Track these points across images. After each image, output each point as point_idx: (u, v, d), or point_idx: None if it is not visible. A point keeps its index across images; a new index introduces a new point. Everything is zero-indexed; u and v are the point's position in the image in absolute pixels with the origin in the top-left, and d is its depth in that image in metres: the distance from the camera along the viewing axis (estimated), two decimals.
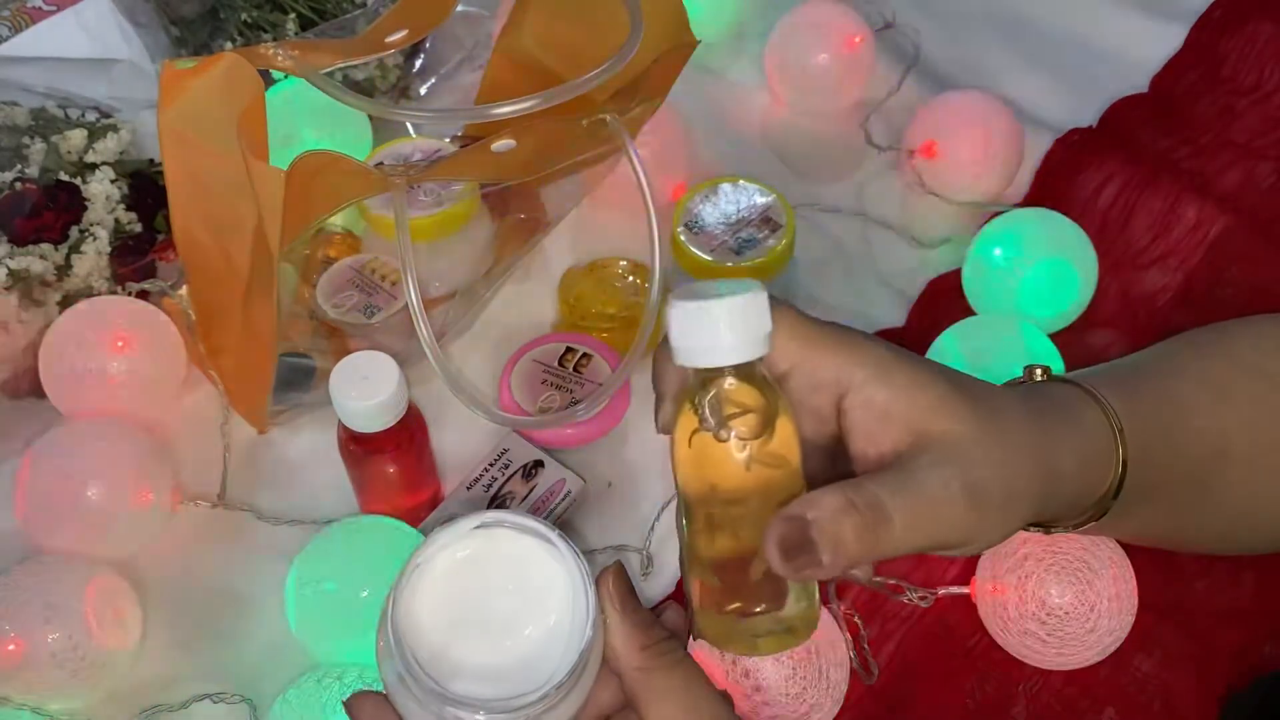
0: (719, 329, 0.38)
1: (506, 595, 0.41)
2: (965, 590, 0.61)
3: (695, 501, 0.40)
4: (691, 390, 0.40)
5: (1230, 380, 0.52)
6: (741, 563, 0.40)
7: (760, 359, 0.40)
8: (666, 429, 0.42)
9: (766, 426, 0.39)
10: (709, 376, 0.39)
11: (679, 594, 0.64)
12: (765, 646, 0.42)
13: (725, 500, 0.40)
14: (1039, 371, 0.50)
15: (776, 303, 0.41)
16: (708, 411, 0.39)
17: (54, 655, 0.57)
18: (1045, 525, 0.50)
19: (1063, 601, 0.58)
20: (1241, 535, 0.56)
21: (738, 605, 0.41)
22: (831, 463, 0.45)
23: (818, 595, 0.43)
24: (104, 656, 0.58)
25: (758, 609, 0.41)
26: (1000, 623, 0.60)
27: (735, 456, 0.39)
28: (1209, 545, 0.58)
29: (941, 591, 0.62)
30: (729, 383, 0.39)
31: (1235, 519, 0.54)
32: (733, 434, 0.39)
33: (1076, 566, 0.58)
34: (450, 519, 0.42)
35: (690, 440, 0.39)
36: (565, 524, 0.65)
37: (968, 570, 0.62)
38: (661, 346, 0.42)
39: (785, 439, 0.40)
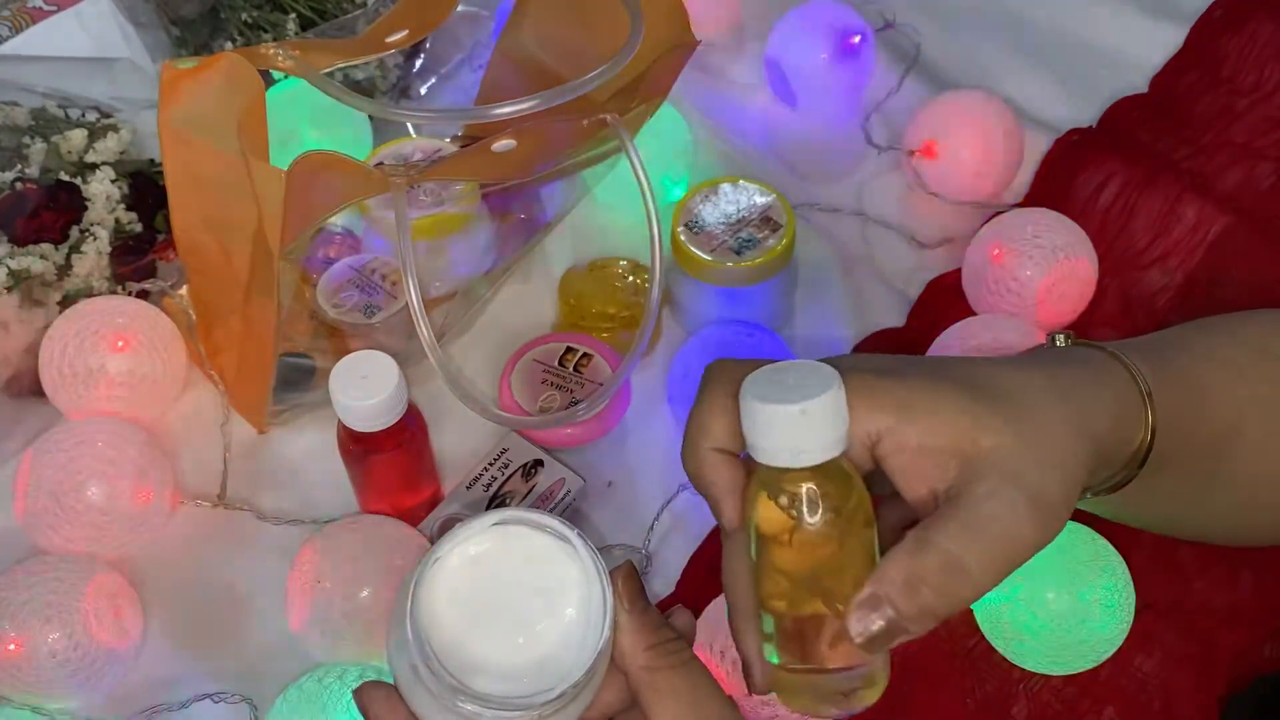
0: (813, 431, 0.39)
1: (523, 593, 0.41)
2: None
3: (775, 575, 0.42)
4: (770, 482, 0.41)
5: (1242, 360, 0.52)
6: (815, 627, 0.42)
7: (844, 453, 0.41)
8: (733, 526, 0.43)
9: (845, 503, 0.40)
10: (796, 475, 0.40)
11: (679, 593, 0.64)
12: (843, 703, 0.43)
13: (807, 574, 0.41)
14: (1061, 337, 0.50)
15: None
16: (796, 506, 0.40)
17: (54, 655, 0.57)
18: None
19: (1056, 609, 0.57)
20: (1247, 519, 0.56)
21: (807, 666, 0.42)
22: (901, 506, 0.45)
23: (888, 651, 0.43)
24: (104, 656, 0.58)
25: (827, 667, 0.42)
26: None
27: (821, 540, 0.40)
28: (1215, 529, 0.58)
29: None
30: (810, 482, 0.40)
31: (1243, 501, 0.54)
32: (819, 520, 0.40)
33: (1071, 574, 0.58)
34: (468, 516, 0.42)
35: (774, 525, 0.41)
36: (574, 522, 0.65)
37: None
38: (698, 438, 0.43)
39: (861, 512, 0.41)
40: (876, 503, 0.43)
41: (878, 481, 0.43)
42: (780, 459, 0.40)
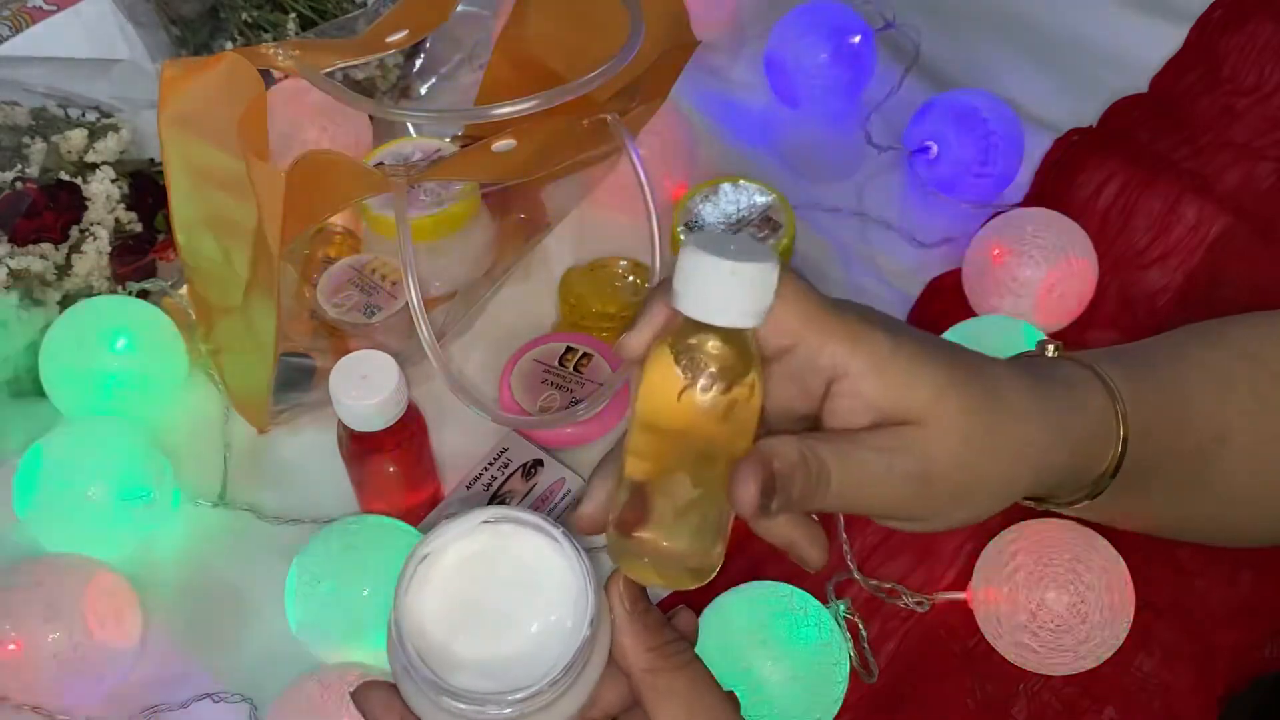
0: (727, 290, 0.39)
1: (510, 590, 0.42)
2: (962, 596, 0.61)
3: (646, 430, 0.42)
4: (679, 332, 0.41)
5: (1233, 370, 0.52)
6: (664, 497, 0.42)
7: (753, 329, 0.41)
8: (633, 353, 0.43)
9: (734, 387, 0.40)
10: (701, 329, 0.40)
11: (679, 593, 0.64)
12: (666, 579, 0.43)
13: (676, 439, 0.41)
14: (1051, 347, 0.51)
15: (795, 278, 0.42)
16: (693, 359, 0.40)
17: (54, 655, 0.57)
18: (1038, 499, 0.50)
19: (1055, 611, 0.57)
20: (1236, 526, 0.56)
21: (643, 533, 0.42)
22: (799, 426, 0.45)
23: (724, 545, 0.43)
24: (104, 656, 0.58)
25: (662, 542, 0.42)
26: (994, 630, 0.60)
27: (702, 406, 0.40)
28: (1202, 534, 0.58)
29: (937, 597, 0.62)
30: (715, 342, 0.40)
31: (1230, 508, 0.54)
32: (702, 386, 0.40)
33: (1068, 577, 0.58)
34: (456, 513, 0.42)
35: (663, 376, 0.41)
36: (565, 523, 0.65)
37: (965, 574, 0.62)
38: (663, 281, 0.42)
39: (752, 405, 0.41)
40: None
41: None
42: (692, 309, 0.40)
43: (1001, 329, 0.67)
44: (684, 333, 0.40)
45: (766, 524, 0.43)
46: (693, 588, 0.43)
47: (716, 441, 0.41)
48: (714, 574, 0.43)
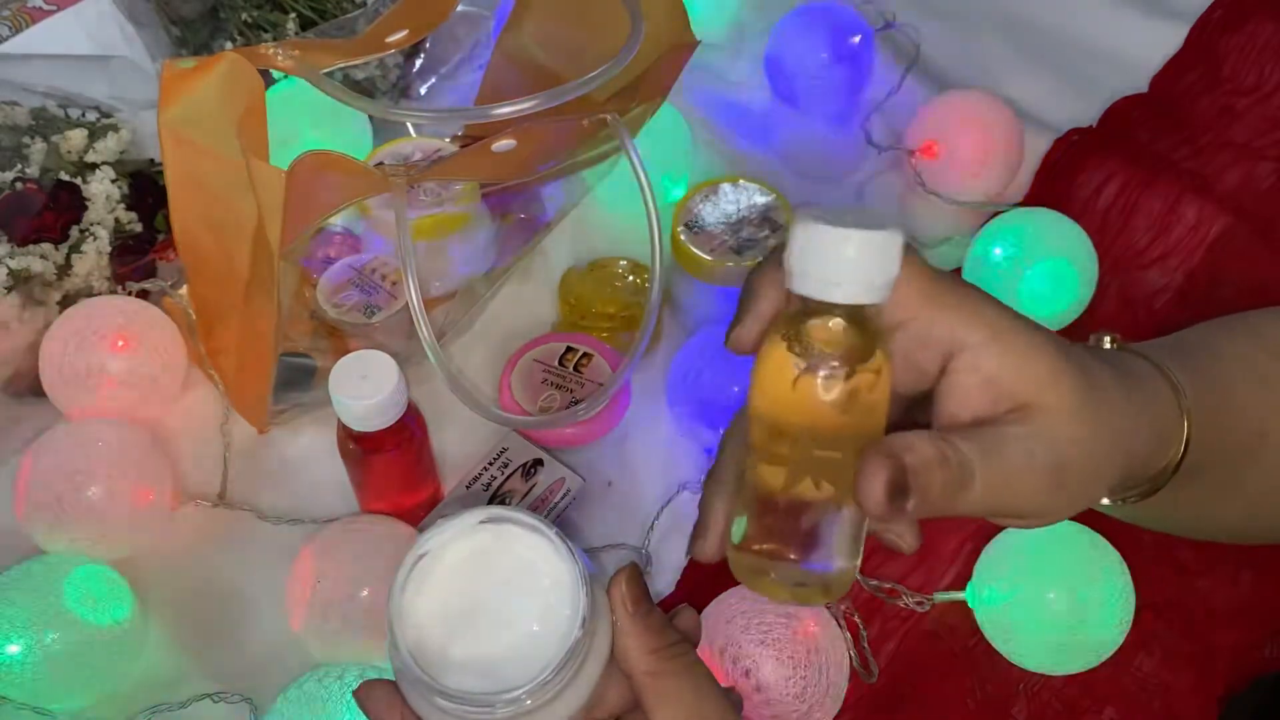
0: (850, 263, 0.36)
1: (506, 590, 0.42)
2: (962, 596, 0.61)
3: (767, 433, 0.38)
4: (794, 317, 0.37)
5: (1267, 366, 0.52)
6: (795, 505, 0.38)
7: (879, 304, 0.37)
8: (745, 348, 0.39)
9: (865, 365, 0.37)
10: (819, 309, 0.37)
11: (680, 593, 0.64)
12: (798, 596, 0.40)
13: (802, 438, 0.38)
14: (1108, 339, 0.49)
15: (906, 250, 0.39)
16: (813, 344, 0.36)
17: (54, 655, 0.57)
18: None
19: (1056, 610, 0.57)
20: (1267, 522, 0.56)
21: (775, 547, 0.39)
22: (906, 412, 0.43)
23: (859, 554, 0.40)
24: (104, 655, 0.58)
25: (792, 555, 0.39)
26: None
27: (826, 396, 0.36)
28: (1236, 532, 0.57)
29: (937, 598, 0.62)
30: (837, 321, 0.37)
31: (1265, 504, 0.54)
32: (826, 374, 0.36)
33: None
34: (453, 514, 0.43)
35: (780, 368, 0.37)
36: (565, 523, 0.65)
37: (965, 574, 0.62)
38: (765, 262, 0.40)
39: (881, 390, 0.38)
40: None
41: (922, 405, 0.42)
42: (809, 287, 0.36)
43: None
44: (801, 316, 0.37)
45: None
46: (825, 603, 0.40)
47: (844, 435, 0.37)
48: (848, 587, 0.40)
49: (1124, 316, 0.74)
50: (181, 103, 0.59)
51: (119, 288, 0.71)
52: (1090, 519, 0.58)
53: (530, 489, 0.65)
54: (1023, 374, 0.40)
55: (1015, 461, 0.40)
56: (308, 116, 0.74)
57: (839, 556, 0.39)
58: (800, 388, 0.36)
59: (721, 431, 0.44)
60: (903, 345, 0.41)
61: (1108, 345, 0.49)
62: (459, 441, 0.68)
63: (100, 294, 0.70)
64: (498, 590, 0.42)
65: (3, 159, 0.75)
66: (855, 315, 0.37)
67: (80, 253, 0.70)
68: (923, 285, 0.40)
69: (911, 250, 0.39)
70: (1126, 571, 0.59)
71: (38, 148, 0.74)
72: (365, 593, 0.58)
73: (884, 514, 0.37)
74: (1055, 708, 0.60)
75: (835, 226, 0.35)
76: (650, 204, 0.63)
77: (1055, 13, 0.89)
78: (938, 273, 0.41)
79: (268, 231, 0.55)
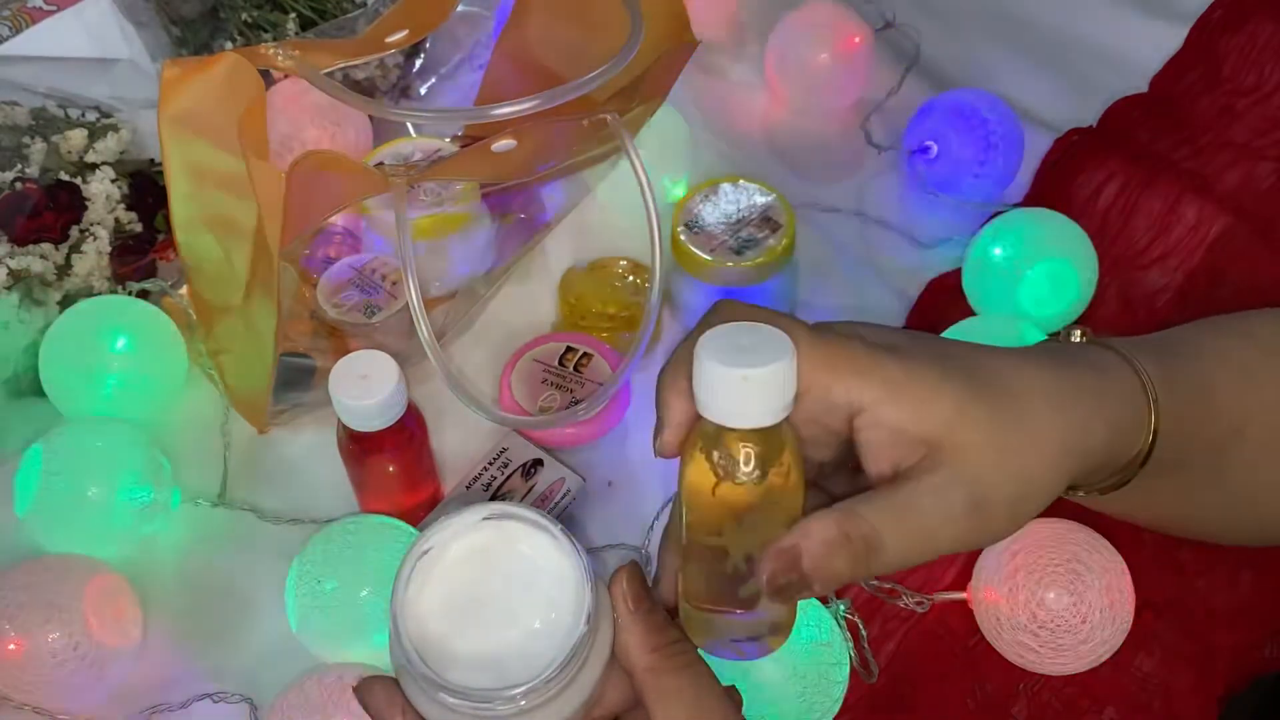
0: (749, 397, 0.39)
1: (509, 586, 0.42)
2: (961, 596, 0.61)
3: (698, 522, 0.42)
4: (708, 436, 0.41)
5: (1253, 362, 0.52)
6: (730, 578, 0.42)
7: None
8: (670, 454, 0.43)
9: (775, 466, 0.40)
10: (728, 432, 0.40)
11: None
12: (735, 650, 0.44)
13: (728, 529, 0.41)
14: (1078, 333, 0.50)
15: (792, 323, 0.42)
16: (726, 460, 0.40)
17: (54, 655, 0.57)
18: (1071, 487, 0.49)
19: (1055, 610, 0.57)
20: (1248, 521, 0.56)
21: (716, 608, 0.43)
22: (851, 479, 0.45)
23: (793, 607, 0.44)
24: (104, 656, 0.58)
25: (737, 611, 0.43)
26: (994, 629, 0.60)
27: (745, 498, 0.41)
28: (1214, 529, 0.58)
29: (937, 597, 0.62)
30: (746, 442, 0.40)
31: (1245, 502, 0.54)
32: (738, 480, 0.40)
33: (1068, 577, 0.58)
34: (457, 509, 0.43)
35: (701, 476, 0.41)
36: (565, 522, 0.65)
37: (965, 574, 0.62)
38: (668, 375, 0.43)
39: (794, 478, 0.41)
40: (828, 472, 0.44)
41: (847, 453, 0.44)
42: (716, 415, 0.40)
43: (1001, 328, 0.67)
44: (714, 435, 0.41)
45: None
46: (776, 649, 0.44)
47: (765, 520, 0.41)
48: (790, 631, 0.44)
49: (1124, 316, 0.74)
50: (181, 103, 0.59)
51: (119, 288, 0.71)
52: (1090, 519, 0.58)
53: (530, 489, 0.65)
54: (925, 419, 0.42)
55: (930, 514, 0.41)
56: (308, 116, 0.74)
57: (772, 612, 0.43)
58: (720, 493, 0.41)
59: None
60: (810, 412, 0.42)
61: (1077, 339, 0.50)
62: (459, 441, 0.68)
63: (100, 294, 0.70)
64: (501, 586, 0.42)
65: (3, 159, 0.75)
66: (761, 433, 0.40)
67: (80, 253, 0.70)
68: (815, 356, 0.42)
69: (799, 324, 0.42)
70: (1126, 571, 0.58)
71: (38, 148, 0.74)
72: (365, 593, 0.58)
73: (784, 599, 0.41)
74: (1055, 708, 0.60)
75: (731, 367, 0.39)
76: (650, 204, 0.63)
77: (1055, 13, 0.89)
78: (827, 341, 0.42)
79: (268, 231, 0.55)
